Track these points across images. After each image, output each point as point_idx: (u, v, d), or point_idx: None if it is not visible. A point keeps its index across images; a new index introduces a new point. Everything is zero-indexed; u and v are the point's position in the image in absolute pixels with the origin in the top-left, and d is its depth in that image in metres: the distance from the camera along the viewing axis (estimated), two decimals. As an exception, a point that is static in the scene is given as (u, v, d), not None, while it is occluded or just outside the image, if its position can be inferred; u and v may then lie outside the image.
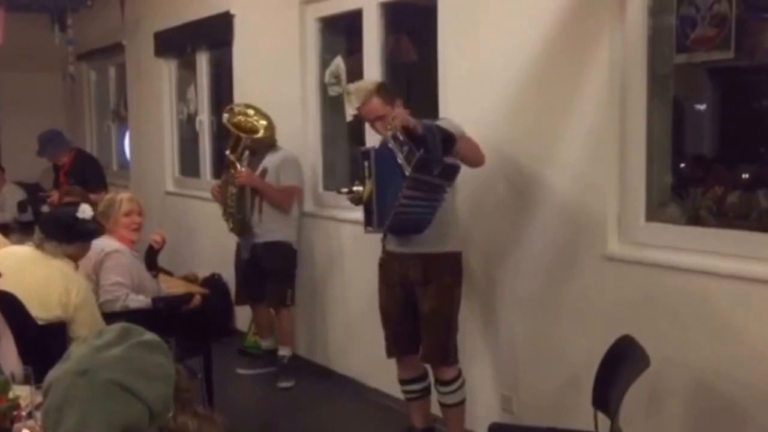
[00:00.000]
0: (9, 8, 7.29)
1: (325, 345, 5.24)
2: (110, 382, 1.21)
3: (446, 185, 3.39)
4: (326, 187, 5.25)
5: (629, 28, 3.24)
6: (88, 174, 6.38)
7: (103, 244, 3.85)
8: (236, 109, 5.03)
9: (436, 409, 3.94)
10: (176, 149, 7.28)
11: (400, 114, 3.35)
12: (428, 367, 3.84)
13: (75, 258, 3.55)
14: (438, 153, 3.23)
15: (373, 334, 4.39)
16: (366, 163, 3.52)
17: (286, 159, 4.95)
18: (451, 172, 3.35)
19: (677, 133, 3.38)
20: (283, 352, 5.11)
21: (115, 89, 8.64)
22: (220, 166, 6.66)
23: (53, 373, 1.26)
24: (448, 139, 3.28)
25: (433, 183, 3.33)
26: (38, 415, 2.19)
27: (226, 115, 4.99)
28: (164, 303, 3.96)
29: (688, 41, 3.07)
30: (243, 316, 5.95)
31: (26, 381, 2.37)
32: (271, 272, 4.99)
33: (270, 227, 4.93)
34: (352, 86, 3.75)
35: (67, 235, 3.48)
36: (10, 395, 2.24)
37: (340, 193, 3.93)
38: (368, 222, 3.56)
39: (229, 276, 6.14)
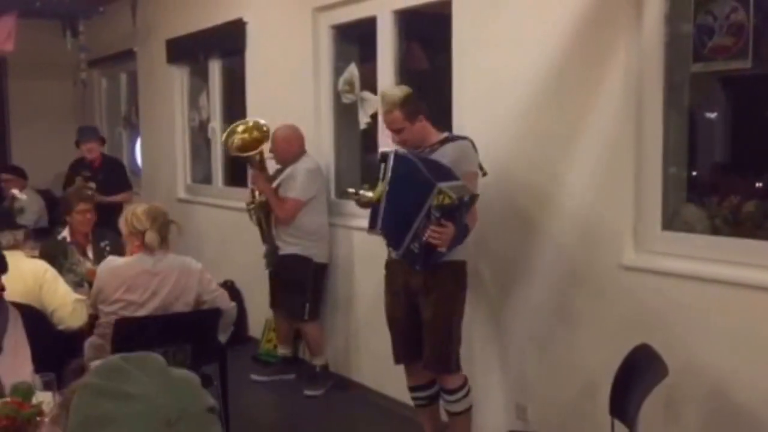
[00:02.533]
0: (20, 15, 7.30)
1: (340, 353, 5.24)
2: (206, 411, 1.16)
3: None
4: (339, 195, 5.26)
5: (646, 36, 3.24)
6: (117, 173, 6.70)
7: (181, 260, 3.76)
8: (228, 135, 5.07)
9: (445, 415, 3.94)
10: (188, 156, 7.30)
11: (441, 235, 3.33)
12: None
13: (21, 247, 3.62)
14: (430, 266, 3.47)
15: (383, 341, 4.39)
16: (383, 165, 3.55)
17: (293, 172, 4.90)
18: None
19: (693, 142, 3.37)
20: (315, 361, 5.14)
21: (127, 96, 8.67)
22: (233, 172, 6.73)
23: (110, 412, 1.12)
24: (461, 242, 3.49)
25: None
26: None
27: (229, 142, 5.05)
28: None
29: (705, 50, 3.07)
30: (257, 323, 5.96)
31: (48, 387, 2.38)
32: (287, 284, 5.02)
33: (285, 239, 4.97)
34: (382, 90, 3.79)
35: (13, 221, 3.56)
36: (33, 401, 2.25)
37: (345, 192, 4.00)
38: (372, 224, 3.60)
39: (242, 283, 6.17)
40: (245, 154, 5.01)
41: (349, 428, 4.65)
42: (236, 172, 6.65)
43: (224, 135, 5.17)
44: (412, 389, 3.91)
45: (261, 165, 4.98)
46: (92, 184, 6.21)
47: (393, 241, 3.59)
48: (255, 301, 5.81)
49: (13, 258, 3.52)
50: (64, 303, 3.59)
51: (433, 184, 3.29)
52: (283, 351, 5.37)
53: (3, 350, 2.73)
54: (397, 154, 3.54)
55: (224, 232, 6.44)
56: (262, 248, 5.25)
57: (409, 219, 3.41)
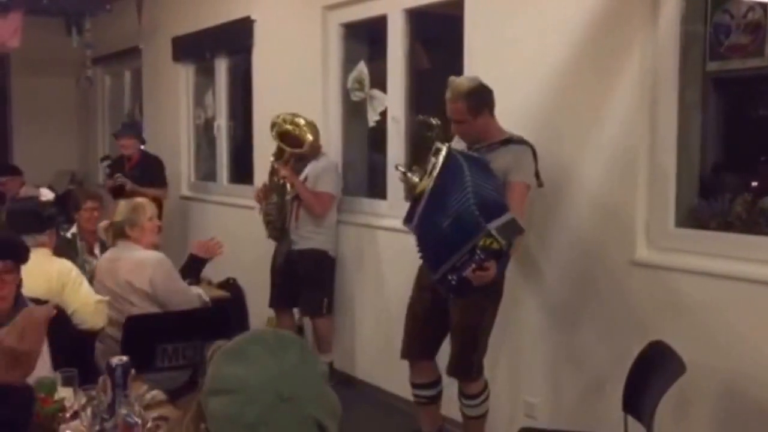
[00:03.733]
0: (26, 12, 7.30)
1: (344, 351, 5.24)
2: (312, 419, 1.19)
3: None
4: (345, 192, 5.27)
5: (661, 34, 3.26)
6: (155, 169, 6.68)
7: (141, 255, 3.73)
8: (284, 118, 4.97)
9: (446, 411, 3.97)
10: (192, 154, 7.29)
11: (481, 278, 3.15)
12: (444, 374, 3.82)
13: (48, 246, 3.59)
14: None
15: (387, 338, 4.40)
16: (433, 159, 3.36)
17: (325, 168, 4.96)
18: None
19: (707, 139, 3.39)
20: (323, 359, 5.11)
21: (131, 94, 8.66)
22: (237, 170, 6.72)
23: (234, 375, 1.19)
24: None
25: None
26: (84, 415, 2.21)
27: (273, 124, 4.97)
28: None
29: (721, 48, 3.09)
30: (260, 321, 5.94)
31: (68, 383, 2.38)
32: (306, 280, 5.01)
33: (306, 235, 4.95)
34: (451, 78, 3.57)
35: (38, 224, 3.53)
36: (55, 397, 2.25)
37: (397, 169, 3.83)
38: (409, 218, 3.46)
39: (245, 281, 6.15)
40: (282, 144, 4.93)
41: (353, 424, 4.62)
42: (241, 169, 6.65)
43: (285, 114, 5.00)
44: (415, 386, 3.90)
45: (291, 161, 4.96)
46: (118, 175, 6.43)
47: (430, 263, 3.41)
48: (257, 299, 5.77)
49: (40, 256, 3.50)
50: (86, 303, 3.57)
51: (483, 226, 3.06)
52: None
53: None
54: (449, 154, 3.33)
55: (228, 229, 6.42)
56: (265, 246, 5.25)
57: (449, 246, 3.20)
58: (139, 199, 3.98)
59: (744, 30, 3.00)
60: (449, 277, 3.23)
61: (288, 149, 4.91)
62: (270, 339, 1.24)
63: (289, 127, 4.97)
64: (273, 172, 5.02)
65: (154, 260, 3.72)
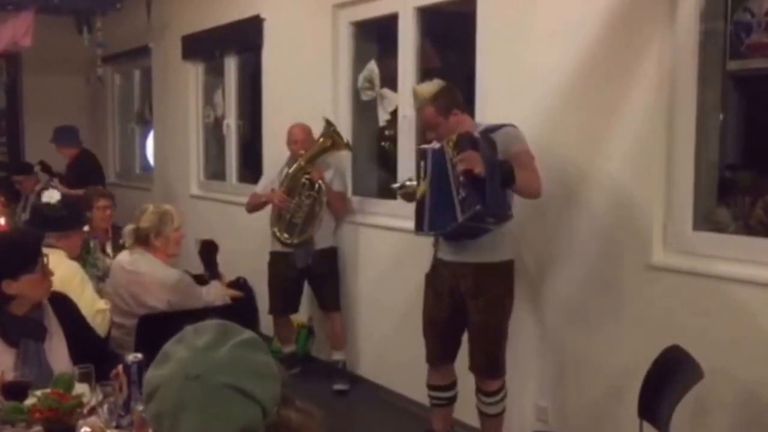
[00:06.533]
0: (37, 11, 7.32)
1: (350, 350, 5.23)
2: (224, 386, 1.20)
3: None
4: (355, 192, 5.25)
5: (680, 33, 3.20)
6: (83, 168, 6.90)
7: (161, 276, 3.64)
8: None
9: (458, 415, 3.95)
10: (201, 153, 7.28)
11: (467, 158, 3.21)
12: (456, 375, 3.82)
13: (59, 248, 3.51)
14: (494, 205, 3.28)
15: (394, 339, 4.39)
16: (422, 163, 3.47)
17: (338, 167, 5.06)
18: (503, 218, 3.39)
19: (726, 140, 3.35)
20: (338, 356, 5.15)
21: (140, 92, 8.66)
22: (247, 169, 6.70)
23: (155, 376, 1.24)
24: (508, 178, 3.30)
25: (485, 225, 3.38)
26: (101, 411, 2.20)
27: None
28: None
29: (742, 47, 3.04)
30: (269, 320, 5.93)
31: (85, 379, 2.37)
32: (326, 277, 5.10)
33: (325, 234, 5.02)
34: (413, 87, 3.70)
35: (45, 226, 3.49)
36: (73, 392, 2.24)
37: (392, 187, 3.94)
38: (419, 226, 3.52)
39: (254, 280, 6.14)
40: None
41: (361, 424, 4.63)
42: (250, 168, 6.64)
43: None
44: (433, 388, 3.87)
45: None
46: (54, 179, 6.84)
47: (448, 222, 3.42)
48: (267, 297, 5.78)
49: (54, 257, 3.46)
50: (87, 313, 3.53)
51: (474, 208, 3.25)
52: (289, 349, 5.42)
53: (48, 332, 2.70)
54: (433, 151, 3.44)
55: (237, 228, 6.41)
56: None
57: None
58: (167, 207, 3.86)
59: (766, 28, 2.96)
60: (460, 200, 3.30)
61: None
62: (189, 333, 1.27)
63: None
64: (299, 174, 4.95)
65: (174, 281, 3.63)
